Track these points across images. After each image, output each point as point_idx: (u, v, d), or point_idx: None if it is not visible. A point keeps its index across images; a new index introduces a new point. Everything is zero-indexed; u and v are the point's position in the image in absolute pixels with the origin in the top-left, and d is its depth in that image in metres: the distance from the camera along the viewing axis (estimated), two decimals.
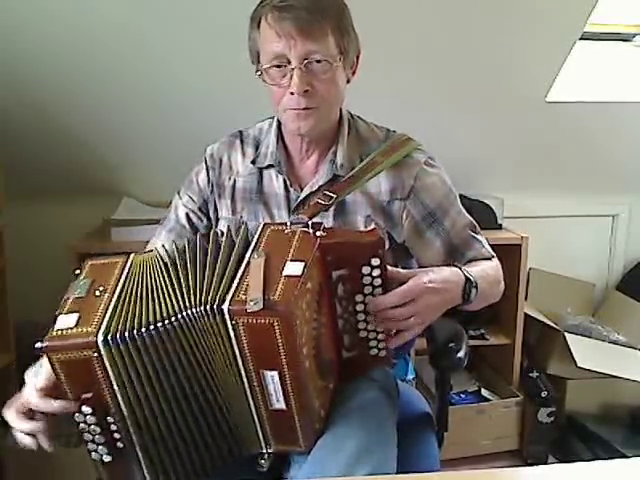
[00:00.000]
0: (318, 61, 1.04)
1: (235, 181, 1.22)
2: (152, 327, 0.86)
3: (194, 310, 0.86)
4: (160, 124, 2.06)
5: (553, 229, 2.60)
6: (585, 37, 2.06)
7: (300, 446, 0.94)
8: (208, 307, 0.85)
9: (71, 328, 0.86)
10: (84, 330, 0.85)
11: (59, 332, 0.85)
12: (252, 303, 0.82)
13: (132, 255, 0.98)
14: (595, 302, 2.70)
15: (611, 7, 2.12)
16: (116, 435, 0.90)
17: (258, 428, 0.93)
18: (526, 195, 2.49)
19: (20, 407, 0.91)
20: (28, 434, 0.91)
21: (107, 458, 0.92)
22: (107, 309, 0.88)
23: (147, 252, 0.99)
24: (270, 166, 1.19)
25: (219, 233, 0.98)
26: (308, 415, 0.92)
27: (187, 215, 1.25)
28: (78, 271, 0.97)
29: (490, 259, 1.21)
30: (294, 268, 0.86)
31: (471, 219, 1.23)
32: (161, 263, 0.94)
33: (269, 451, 0.96)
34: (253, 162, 1.20)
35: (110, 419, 0.89)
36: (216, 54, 1.84)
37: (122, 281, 0.93)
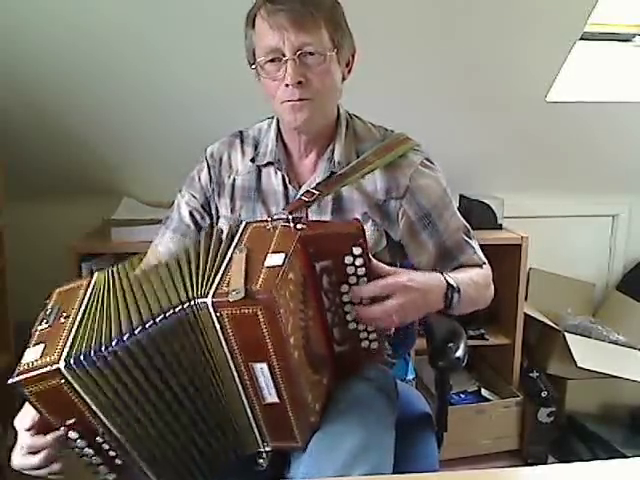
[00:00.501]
0: (312, 53, 1.05)
1: (234, 180, 1.22)
2: (117, 343, 0.84)
3: (176, 309, 0.85)
4: (160, 124, 2.06)
5: (553, 229, 2.60)
6: (585, 37, 2.06)
7: (296, 441, 0.94)
8: (191, 303, 0.85)
9: (36, 360, 0.86)
10: (47, 359, 0.85)
11: (26, 366, 0.86)
12: (234, 293, 0.82)
13: (96, 274, 0.99)
14: (595, 302, 2.70)
15: (611, 7, 2.12)
16: (111, 453, 0.90)
17: (254, 426, 0.94)
18: (526, 195, 2.49)
19: (21, 451, 0.92)
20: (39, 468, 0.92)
21: (111, 476, 0.93)
22: (69, 334, 0.88)
23: (111, 268, 0.99)
24: (269, 164, 1.19)
25: (215, 231, 0.98)
26: (302, 408, 0.92)
27: (190, 213, 1.25)
28: (47, 301, 0.97)
29: (480, 266, 1.21)
30: (275, 259, 0.87)
31: (465, 223, 1.23)
32: (131, 275, 0.95)
33: (267, 449, 0.96)
34: (252, 160, 1.21)
35: (99, 439, 0.89)
36: (216, 54, 1.84)
37: (85, 302, 0.93)
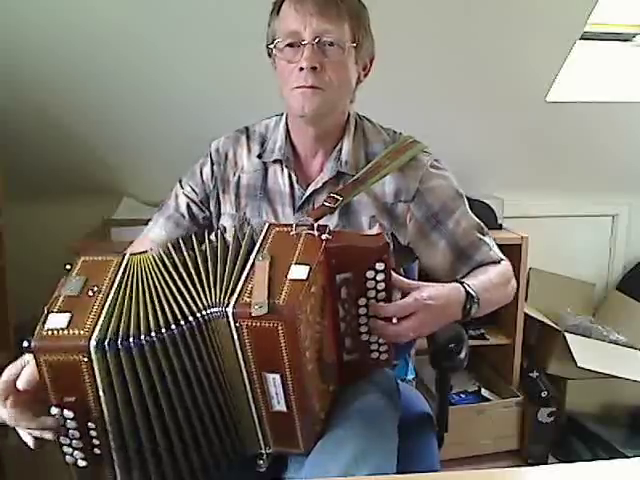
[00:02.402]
0: (331, 44, 1.06)
1: (240, 177, 1.22)
2: (150, 335, 0.83)
3: (198, 315, 0.85)
4: (160, 124, 2.06)
5: (553, 229, 2.60)
6: (585, 37, 2.06)
7: (299, 448, 0.94)
8: (211, 310, 0.84)
9: (63, 329, 0.83)
10: (76, 332, 0.82)
11: (49, 332, 0.83)
12: (257, 307, 0.81)
13: (127, 254, 0.95)
14: (595, 302, 2.70)
15: (611, 7, 2.12)
16: (95, 441, 0.88)
17: (258, 429, 0.93)
18: (526, 195, 2.49)
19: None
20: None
21: (82, 463, 0.90)
22: (101, 311, 0.85)
23: (143, 252, 0.96)
24: (277, 161, 1.19)
25: (224, 231, 0.98)
26: (308, 418, 0.91)
27: (188, 205, 1.25)
28: (69, 266, 0.93)
29: (499, 262, 1.20)
30: (299, 272, 0.86)
31: (478, 221, 1.22)
32: (160, 264, 0.92)
33: (268, 452, 0.95)
34: (259, 156, 1.20)
35: (91, 425, 0.86)
36: (216, 54, 1.83)
37: (117, 282, 0.90)
